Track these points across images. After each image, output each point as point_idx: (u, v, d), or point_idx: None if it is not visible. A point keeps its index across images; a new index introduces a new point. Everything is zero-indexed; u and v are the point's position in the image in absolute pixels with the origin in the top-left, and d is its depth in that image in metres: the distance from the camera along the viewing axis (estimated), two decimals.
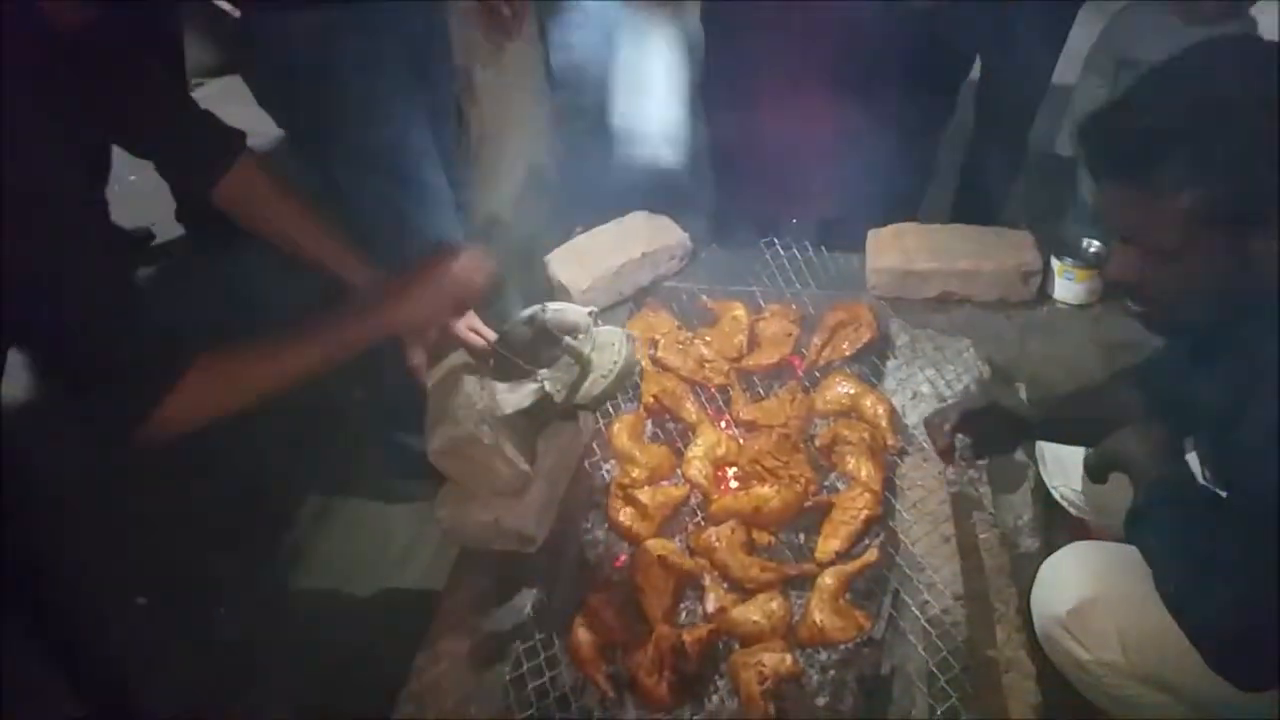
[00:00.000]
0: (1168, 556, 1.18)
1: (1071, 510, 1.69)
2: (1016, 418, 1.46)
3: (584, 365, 1.44)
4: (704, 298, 2.03)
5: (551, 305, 1.51)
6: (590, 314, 1.51)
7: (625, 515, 1.54)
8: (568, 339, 1.43)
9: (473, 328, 1.48)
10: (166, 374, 1.05)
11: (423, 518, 1.85)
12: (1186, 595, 1.13)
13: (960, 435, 1.46)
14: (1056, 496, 1.69)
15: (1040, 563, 1.64)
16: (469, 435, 1.40)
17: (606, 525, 1.58)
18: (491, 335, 1.48)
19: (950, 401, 1.71)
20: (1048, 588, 1.34)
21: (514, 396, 1.43)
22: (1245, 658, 1.09)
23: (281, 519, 1.86)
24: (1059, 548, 1.71)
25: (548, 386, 1.43)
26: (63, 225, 0.98)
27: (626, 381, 1.54)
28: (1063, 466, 1.78)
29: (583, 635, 1.35)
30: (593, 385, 1.45)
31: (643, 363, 1.87)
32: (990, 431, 1.45)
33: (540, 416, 1.47)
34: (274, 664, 1.62)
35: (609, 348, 1.47)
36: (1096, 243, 2.01)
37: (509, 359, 1.45)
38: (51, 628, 1.19)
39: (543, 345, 1.45)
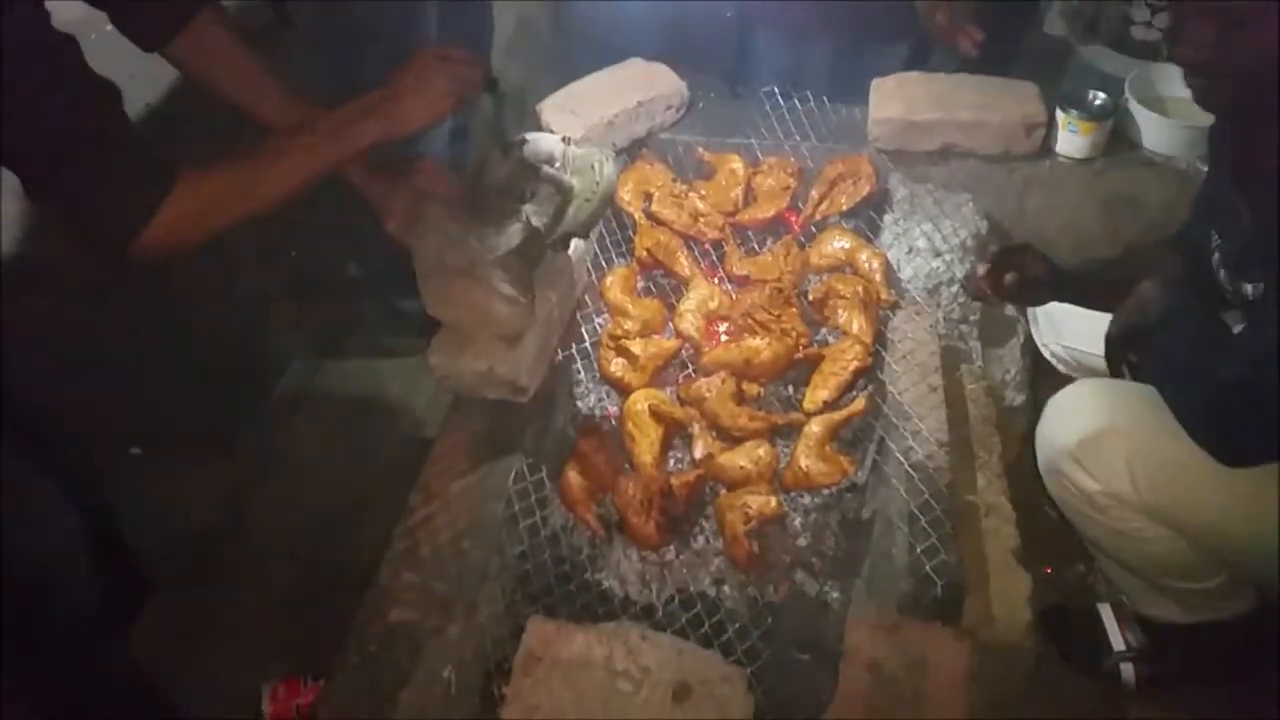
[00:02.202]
0: (1171, 370, 1.20)
1: (1060, 367, 1.71)
2: (1054, 270, 1.45)
3: (566, 193, 1.40)
4: (700, 150, 1.98)
5: (524, 136, 1.46)
6: (564, 140, 1.46)
7: (617, 366, 1.56)
8: (546, 169, 1.39)
9: (437, 178, 1.44)
10: (154, 193, 1.06)
11: (416, 373, 1.87)
12: (1179, 374, 1.16)
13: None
14: (1046, 354, 1.71)
15: (1026, 416, 1.68)
16: (465, 282, 1.39)
17: (598, 376, 1.60)
18: (457, 184, 1.44)
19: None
20: (1057, 419, 1.36)
21: (502, 237, 1.41)
22: (1225, 428, 1.13)
23: (274, 375, 1.88)
24: (1046, 402, 1.75)
25: (534, 220, 1.41)
26: (50, 49, 0.98)
27: (611, 201, 1.51)
28: (1053, 324, 1.80)
29: (573, 478, 1.39)
30: (578, 211, 1.42)
31: (637, 215, 1.85)
32: (1029, 274, 1.43)
33: (532, 252, 1.46)
34: (268, 513, 1.67)
35: (588, 170, 1.43)
36: (1102, 95, 1.95)
37: (489, 200, 1.42)
38: (45, 481, 1.21)
39: (521, 180, 1.42)
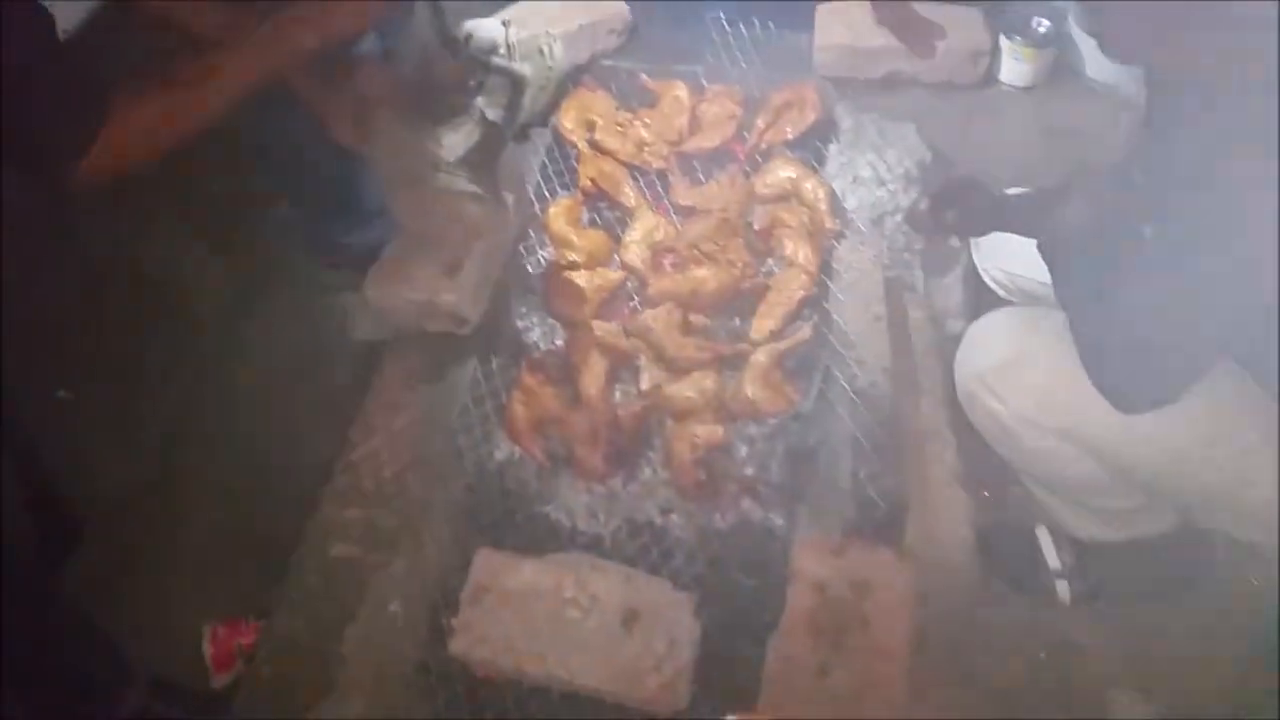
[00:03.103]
0: (1081, 290, 1.23)
1: (1000, 292, 1.72)
2: (996, 200, 1.45)
3: (519, 82, 1.34)
4: (644, 77, 1.94)
5: (466, 25, 1.37)
6: (504, 24, 1.38)
7: (562, 298, 1.53)
8: (495, 60, 1.33)
9: (382, 81, 1.38)
10: (93, 117, 1.03)
11: (354, 306, 1.81)
12: (1086, 316, 1.19)
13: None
14: (988, 280, 1.72)
15: None
16: (431, 188, 1.35)
17: (543, 309, 1.57)
18: (403, 86, 1.38)
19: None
20: (972, 347, 1.38)
21: (459, 135, 1.36)
22: (1124, 376, 1.15)
23: (206, 313, 1.81)
24: None
25: (489, 114, 1.36)
26: None
27: (568, 85, 1.45)
28: (994, 249, 1.81)
29: (519, 411, 1.37)
30: (534, 100, 1.36)
31: (580, 145, 1.81)
32: (972, 210, 1.43)
33: (493, 147, 1.41)
34: (204, 452, 1.62)
35: (537, 55, 1.37)
36: (1046, 22, 1.94)
37: (439, 99, 1.37)
38: None
39: (470, 74, 1.36)
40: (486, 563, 1.23)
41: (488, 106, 1.34)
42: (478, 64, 1.32)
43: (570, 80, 1.86)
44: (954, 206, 1.42)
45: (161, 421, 1.71)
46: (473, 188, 1.35)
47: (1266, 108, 1.03)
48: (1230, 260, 1.07)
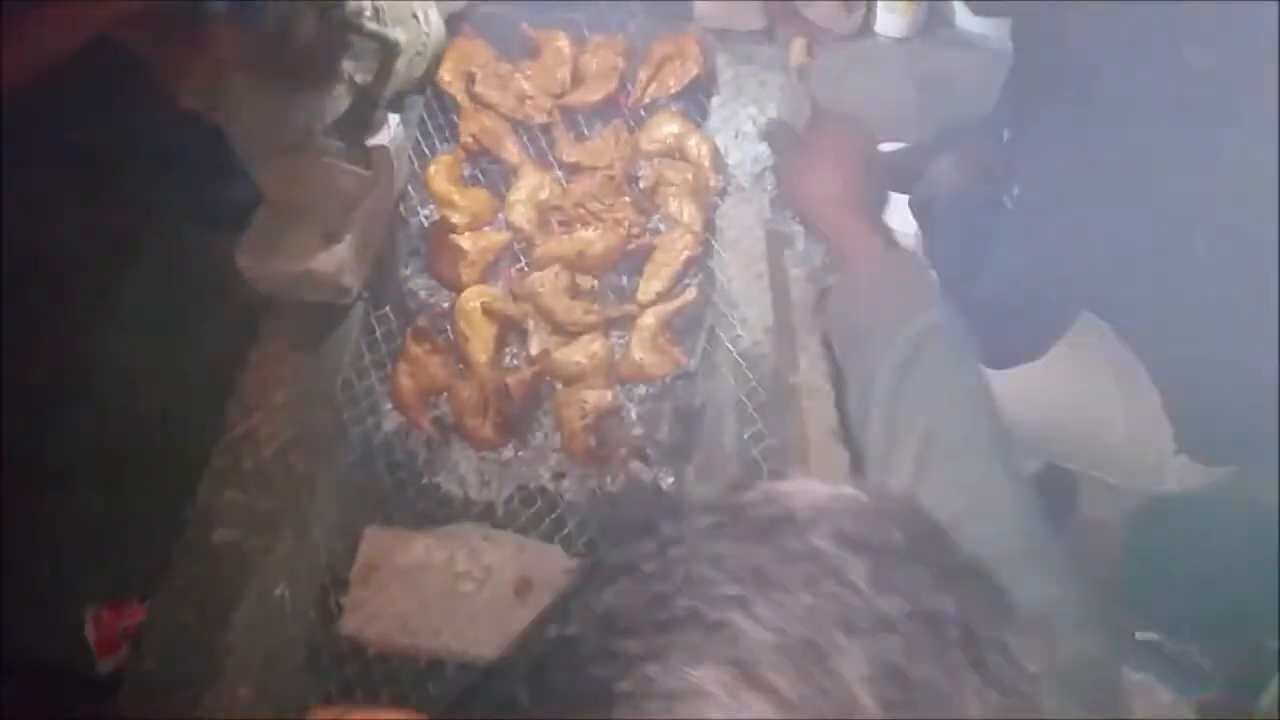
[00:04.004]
0: (947, 252, 1.28)
1: None
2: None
3: (391, 48, 1.23)
4: (524, 25, 1.88)
5: None
6: None
7: (446, 261, 1.50)
8: (368, 24, 1.21)
9: (233, 41, 1.27)
10: None
11: (225, 270, 1.73)
12: (951, 277, 1.25)
13: None
14: None
15: None
16: (300, 158, 1.28)
17: (426, 273, 1.54)
18: (259, 47, 1.28)
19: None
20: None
21: (329, 102, 1.26)
22: (989, 334, 1.20)
23: (67, 278, 1.69)
24: None
25: (359, 80, 1.26)
26: None
27: (443, 53, 1.35)
28: None
29: (405, 382, 1.35)
30: (411, 67, 1.27)
31: (460, 98, 1.76)
32: None
33: (365, 115, 1.34)
34: (70, 428, 1.53)
35: (411, 20, 1.26)
36: None
37: (303, 62, 1.23)
38: None
39: (337, 36, 1.23)
40: (375, 540, 1.22)
41: (358, 72, 1.25)
42: (347, 26, 1.23)
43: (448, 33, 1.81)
44: None
45: (28, 389, 1.61)
46: (345, 158, 1.29)
47: (1126, 59, 1.08)
48: (1094, 214, 1.13)
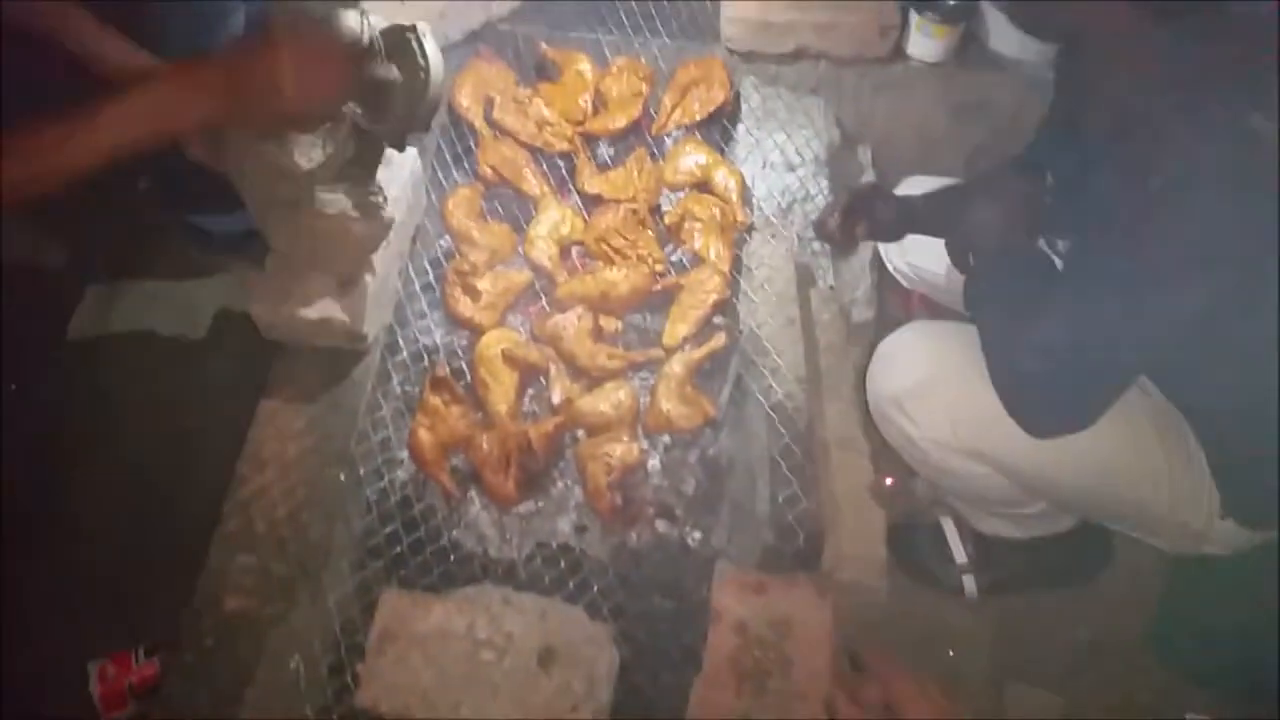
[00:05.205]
0: (992, 312, 1.23)
1: (903, 282, 1.72)
2: (903, 206, 1.42)
3: (389, 87, 1.17)
4: (544, 45, 1.82)
5: (310, 6, 1.16)
6: (360, 14, 1.17)
7: (465, 305, 1.45)
8: (366, 67, 1.16)
9: None
10: None
11: (230, 293, 1.68)
12: (999, 340, 1.19)
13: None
14: (890, 269, 1.71)
15: (873, 334, 1.69)
16: (308, 211, 1.22)
17: (445, 313, 1.48)
18: None
19: (830, 197, 1.65)
20: (883, 367, 1.37)
21: (332, 148, 1.21)
22: (1036, 404, 1.16)
23: (64, 310, 1.64)
24: (892, 317, 1.78)
25: (362, 123, 1.21)
26: None
27: (443, 85, 1.23)
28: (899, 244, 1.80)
29: (424, 436, 1.30)
30: (410, 105, 1.19)
31: (479, 125, 1.69)
32: (879, 221, 1.40)
33: (368, 157, 1.28)
34: (75, 474, 1.48)
35: (407, 51, 1.18)
36: None
37: None
38: None
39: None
40: (393, 605, 1.17)
41: (360, 115, 1.19)
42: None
43: (471, 50, 1.73)
44: (862, 218, 1.39)
45: (26, 436, 1.56)
46: (354, 205, 1.23)
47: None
48: (1152, 284, 1.07)
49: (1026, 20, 1.20)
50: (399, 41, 1.19)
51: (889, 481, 1.57)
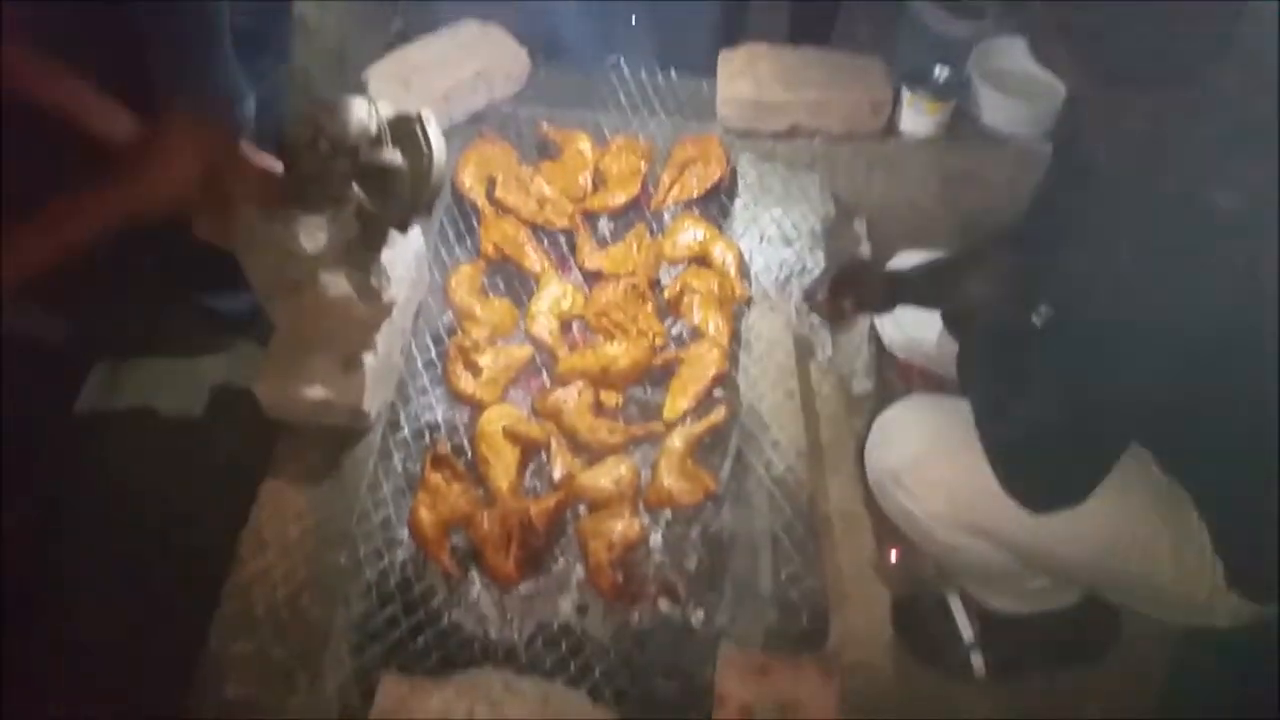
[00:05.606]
0: (982, 385, 1.23)
1: (899, 355, 1.74)
2: (891, 279, 1.45)
3: (394, 174, 1.21)
4: (545, 125, 1.87)
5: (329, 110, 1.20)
6: (369, 102, 1.22)
7: (466, 381, 1.46)
8: (371, 153, 1.19)
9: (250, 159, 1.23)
10: None
11: (234, 371, 1.69)
12: (991, 416, 1.19)
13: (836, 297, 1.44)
14: (885, 341, 1.73)
15: (873, 405, 1.70)
16: (313, 292, 1.24)
17: (447, 389, 1.49)
18: (276, 165, 1.23)
19: (819, 270, 1.68)
20: (880, 444, 1.38)
21: (337, 229, 1.24)
22: (1031, 479, 1.17)
23: (70, 386, 1.65)
24: (891, 387, 1.78)
25: (368, 206, 1.24)
26: None
27: (446, 171, 1.29)
28: (892, 315, 1.81)
29: (424, 515, 1.29)
30: (415, 191, 1.22)
31: (481, 203, 1.73)
32: (866, 294, 1.43)
33: (373, 239, 1.30)
34: (77, 550, 1.47)
35: (412, 137, 1.22)
36: (946, 70, 1.95)
37: (308, 190, 1.22)
38: None
39: (340, 164, 1.20)
40: (392, 691, 1.16)
41: (367, 200, 1.22)
42: (349, 156, 1.19)
43: (476, 131, 1.77)
44: (850, 291, 1.42)
45: (30, 512, 1.55)
46: (357, 286, 1.25)
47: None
48: (1127, 350, 1.08)
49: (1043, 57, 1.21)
50: (405, 129, 1.22)
51: (893, 556, 1.57)
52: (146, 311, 1.74)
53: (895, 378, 1.83)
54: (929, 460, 1.29)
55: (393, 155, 1.21)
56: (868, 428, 1.46)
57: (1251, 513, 1.22)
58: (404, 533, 1.33)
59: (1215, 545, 1.25)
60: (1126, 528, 1.22)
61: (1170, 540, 1.24)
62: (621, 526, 1.31)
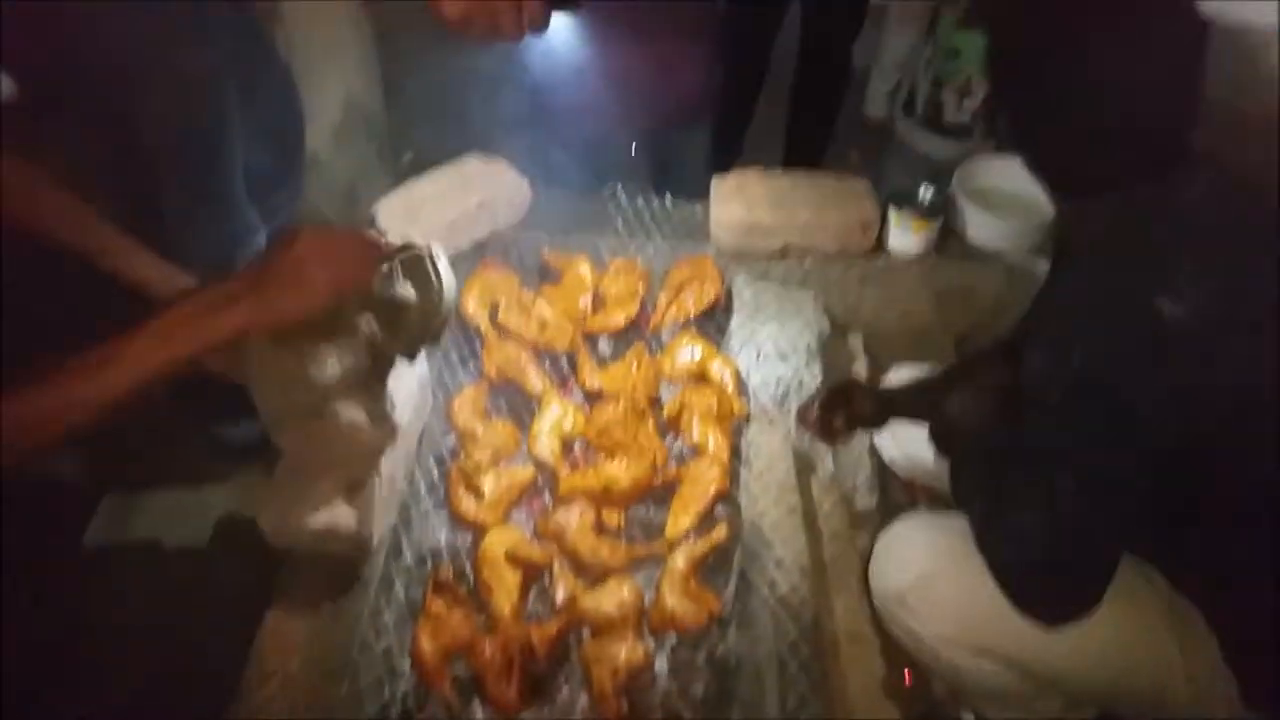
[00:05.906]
0: (979, 502, 1.24)
1: (899, 472, 1.75)
2: (882, 396, 1.47)
3: (403, 307, 1.24)
4: (545, 251, 1.93)
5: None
6: (379, 236, 1.27)
7: (469, 505, 1.47)
8: (382, 288, 1.23)
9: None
10: None
11: (238, 500, 1.70)
12: (991, 534, 1.19)
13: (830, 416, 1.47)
14: (885, 458, 1.74)
15: (877, 521, 1.69)
16: (322, 422, 1.26)
17: (449, 513, 1.50)
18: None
19: (814, 390, 1.71)
20: (883, 564, 1.37)
21: (348, 358, 1.26)
22: (1041, 593, 1.16)
23: (80, 517, 1.66)
24: (893, 503, 1.78)
25: (377, 338, 1.26)
26: None
27: (455, 304, 1.32)
28: (890, 432, 1.83)
29: (425, 643, 1.29)
30: (425, 324, 1.25)
31: (484, 328, 1.77)
32: (857, 412, 1.45)
33: (381, 368, 1.33)
34: (83, 681, 1.46)
35: (422, 271, 1.25)
36: (931, 189, 2.01)
37: (319, 321, 1.21)
38: None
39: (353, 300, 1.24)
40: None
41: (375, 332, 1.26)
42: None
43: (481, 258, 1.83)
44: (840, 411, 1.44)
45: (33, 642, 1.53)
46: (365, 414, 1.28)
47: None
48: (1091, 464, 1.10)
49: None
50: (414, 263, 1.27)
51: (908, 678, 1.54)
52: (156, 444, 1.76)
53: (900, 492, 1.83)
54: (931, 580, 1.29)
55: (404, 288, 1.25)
56: (872, 544, 1.46)
57: (1258, 624, 1.21)
58: (405, 662, 1.31)
59: (1226, 660, 1.23)
60: (1134, 643, 1.21)
61: (1181, 655, 1.23)
62: (625, 652, 1.30)
